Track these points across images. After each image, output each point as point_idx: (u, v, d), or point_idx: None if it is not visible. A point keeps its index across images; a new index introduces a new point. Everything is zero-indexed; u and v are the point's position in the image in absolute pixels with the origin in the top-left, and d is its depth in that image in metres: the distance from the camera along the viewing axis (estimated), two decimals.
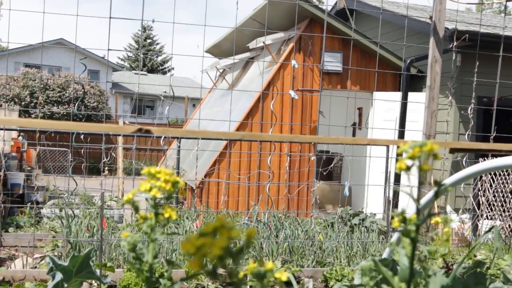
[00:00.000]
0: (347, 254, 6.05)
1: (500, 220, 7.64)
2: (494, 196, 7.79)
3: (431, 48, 3.79)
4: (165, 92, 34.96)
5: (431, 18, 3.80)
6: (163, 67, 49.87)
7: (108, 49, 4.10)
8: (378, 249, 6.11)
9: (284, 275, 0.64)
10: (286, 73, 9.94)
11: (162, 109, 35.37)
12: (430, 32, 3.74)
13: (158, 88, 34.30)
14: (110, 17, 3.69)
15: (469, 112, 5.33)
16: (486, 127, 8.39)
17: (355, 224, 7.93)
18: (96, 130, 1.47)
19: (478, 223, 7.92)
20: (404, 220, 0.88)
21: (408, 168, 0.82)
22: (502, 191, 7.71)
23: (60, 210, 6.62)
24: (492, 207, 7.81)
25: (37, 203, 10.41)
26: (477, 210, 7.60)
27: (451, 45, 8.87)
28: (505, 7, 4.59)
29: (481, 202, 7.61)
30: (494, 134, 5.59)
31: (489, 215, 7.90)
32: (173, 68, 51.73)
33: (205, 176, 9.50)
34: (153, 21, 4.25)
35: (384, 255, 1.70)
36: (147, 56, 46.46)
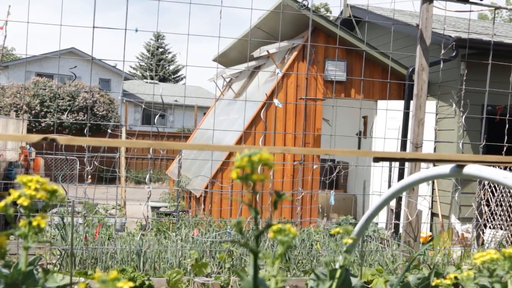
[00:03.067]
0: None
1: (502, 229, 7.56)
2: (497, 205, 7.71)
3: (418, 56, 3.77)
4: (176, 101, 35.13)
5: (417, 26, 3.78)
6: (175, 76, 50.13)
7: (92, 59, 4.13)
8: (376, 259, 6.06)
9: (127, 285, 0.63)
10: (290, 82, 9.94)
11: (173, 117, 35.53)
12: (417, 39, 3.73)
13: (169, 97, 34.43)
14: (94, 27, 3.72)
15: (462, 121, 5.28)
16: (490, 136, 8.33)
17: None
18: (4, 139, 1.47)
19: (480, 232, 7.84)
20: (240, 230, 0.87)
21: (242, 178, 0.81)
22: (504, 200, 7.64)
23: (62, 218, 6.65)
24: (495, 216, 7.73)
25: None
26: (479, 219, 7.52)
27: (454, 53, 8.85)
28: (494, 14, 4.53)
29: (483, 212, 7.53)
30: (484, 143, 5.54)
31: (492, 225, 7.82)
32: (184, 77, 51.91)
33: (208, 184, 9.50)
34: (136, 30, 4.27)
35: (338, 266, 1.68)
36: (159, 65, 46.73)
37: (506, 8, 4.55)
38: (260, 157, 0.79)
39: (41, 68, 28.13)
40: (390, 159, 1.38)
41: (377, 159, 1.35)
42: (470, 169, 1.17)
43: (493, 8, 4.42)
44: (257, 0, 6.68)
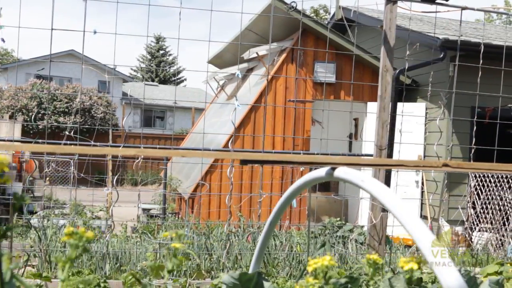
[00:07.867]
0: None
1: (487, 232, 7.52)
2: (482, 208, 7.68)
3: (382, 57, 3.75)
4: (175, 103, 35.10)
5: (381, 27, 3.75)
6: (175, 78, 50.10)
7: (50, 61, 4.14)
8: (357, 261, 6.03)
9: None
10: (279, 84, 9.92)
11: (172, 120, 35.54)
12: (381, 41, 3.70)
13: (168, 99, 34.53)
14: (52, 29, 3.72)
15: (437, 123, 5.26)
16: (478, 138, 8.28)
17: (342, 236, 7.86)
18: None
19: (466, 235, 7.81)
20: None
21: None
22: (490, 203, 7.60)
23: (48, 220, 6.65)
24: (481, 219, 7.70)
25: (33, 213, 10.48)
26: (465, 222, 7.49)
27: (442, 55, 8.81)
28: (461, 14, 4.49)
29: (469, 214, 7.50)
30: (451, 145, 5.51)
31: (479, 227, 7.78)
32: (185, 79, 51.93)
33: (197, 187, 9.49)
34: (94, 32, 4.26)
35: (250, 270, 1.67)
36: (159, 68, 46.78)
37: (472, 9, 4.51)
38: None
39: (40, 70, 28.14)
40: (255, 162, 1.36)
41: (244, 162, 1.33)
42: (339, 172, 1.16)
43: (460, 9, 4.39)
44: (249, 1, 6.65)
